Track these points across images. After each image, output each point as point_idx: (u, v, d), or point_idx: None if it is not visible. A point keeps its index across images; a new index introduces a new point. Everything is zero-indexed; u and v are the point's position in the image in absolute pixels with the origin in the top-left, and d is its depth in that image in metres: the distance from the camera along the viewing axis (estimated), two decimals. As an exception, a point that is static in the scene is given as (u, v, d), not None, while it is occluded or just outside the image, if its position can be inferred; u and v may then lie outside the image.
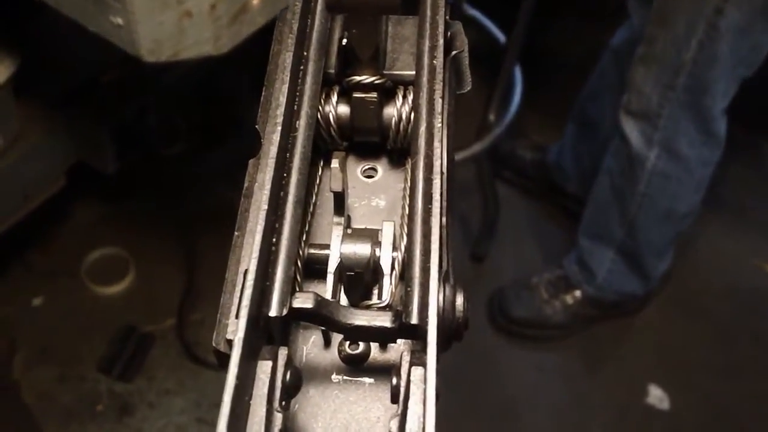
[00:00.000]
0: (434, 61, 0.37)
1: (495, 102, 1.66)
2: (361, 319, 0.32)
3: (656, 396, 1.68)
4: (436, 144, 0.35)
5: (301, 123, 0.36)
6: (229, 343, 0.30)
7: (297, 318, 0.32)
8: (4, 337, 1.64)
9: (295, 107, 0.37)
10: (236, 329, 0.29)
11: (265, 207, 0.32)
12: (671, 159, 1.46)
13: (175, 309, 1.70)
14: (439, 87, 0.37)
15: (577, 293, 1.71)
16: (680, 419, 1.67)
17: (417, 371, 0.29)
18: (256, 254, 0.31)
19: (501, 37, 1.75)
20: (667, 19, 1.35)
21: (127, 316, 1.69)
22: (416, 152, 0.35)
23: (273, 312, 0.31)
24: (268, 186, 0.33)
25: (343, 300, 0.36)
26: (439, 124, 0.35)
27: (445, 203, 0.34)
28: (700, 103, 1.40)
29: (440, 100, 0.36)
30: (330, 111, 0.39)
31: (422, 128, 0.35)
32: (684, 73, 1.35)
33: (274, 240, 0.33)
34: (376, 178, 0.41)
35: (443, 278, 0.32)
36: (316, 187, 0.40)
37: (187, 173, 1.84)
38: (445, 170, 0.35)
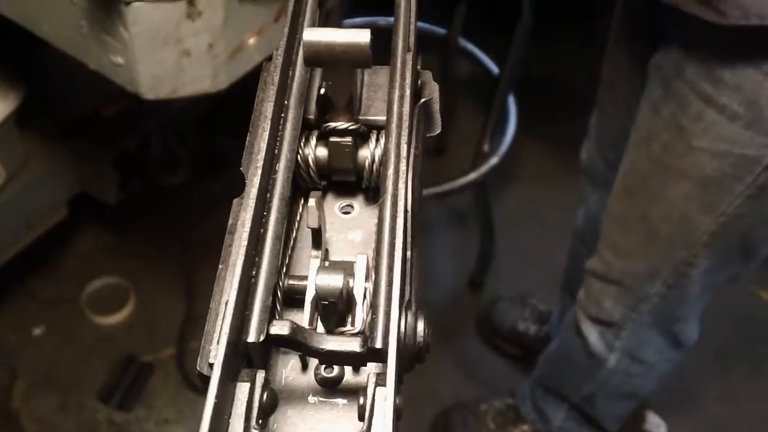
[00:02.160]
0: (402, 109, 0.41)
1: (489, 132, 1.69)
2: (332, 344, 0.35)
3: (654, 423, 1.68)
4: (401, 185, 0.38)
5: (281, 166, 0.40)
6: (211, 366, 0.33)
7: (274, 343, 0.35)
8: (4, 365, 1.65)
9: (276, 152, 0.41)
10: (216, 354, 0.32)
11: (245, 243, 0.36)
12: (634, 363, 1.29)
13: (175, 338, 1.72)
14: (405, 134, 0.40)
15: (526, 428, 1.55)
16: (677, 446, 1.67)
17: (381, 391, 0.32)
18: (236, 285, 0.34)
19: (494, 68, 1.79)
20: (623, 252, 1.15)
21: (127, 345, 1.71)
22: (384, 192, 0.39)
23: (251, 338, 0.34)
24: (248, 224, 0.36)
25: (320, 327, 0.39)
26: (404, 167, 0.39)
27: (409, 238, 0.38)
28: (670, 326, 1.23)
29: (405, 146, 0.40)
30: (309, 153, 0.43)
31: (390, 171, 0.39)
32: (649, 303, 1.17)
33: (253, 273, 0.36)
34: (352, 214, 0.45)
35: (405, 306, 0.35)
36: (297, 223, 0.44)
37: (188, 202, 1.87)
38: (409, 209, 0.38)
